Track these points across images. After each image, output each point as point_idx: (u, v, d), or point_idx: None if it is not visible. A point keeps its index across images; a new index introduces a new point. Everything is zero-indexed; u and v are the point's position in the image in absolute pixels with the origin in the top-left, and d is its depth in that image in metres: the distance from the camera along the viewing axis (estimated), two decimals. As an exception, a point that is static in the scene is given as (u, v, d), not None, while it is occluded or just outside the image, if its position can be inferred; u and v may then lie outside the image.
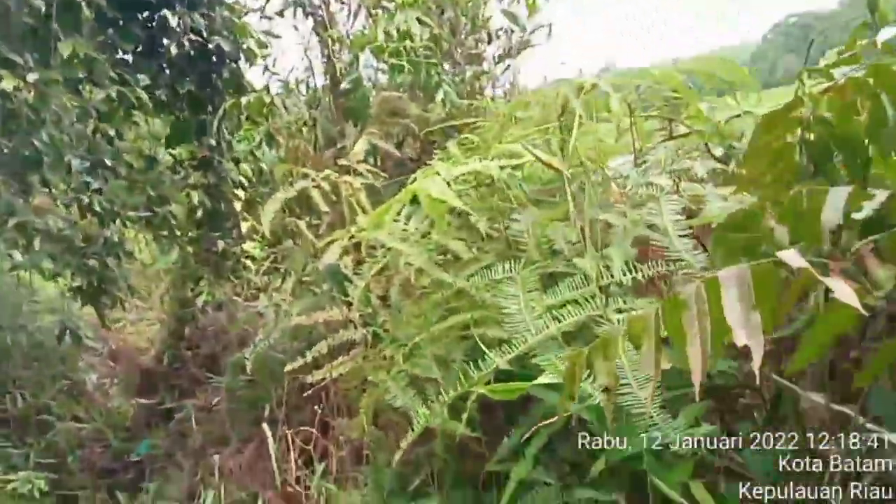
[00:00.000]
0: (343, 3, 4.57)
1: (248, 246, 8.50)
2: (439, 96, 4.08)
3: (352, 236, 2.69)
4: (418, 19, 4.25)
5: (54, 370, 8.10)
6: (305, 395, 5.07)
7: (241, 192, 5.17)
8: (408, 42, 4.24)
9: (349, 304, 2.99)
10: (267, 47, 5.00)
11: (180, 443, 7.75)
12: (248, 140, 5.31)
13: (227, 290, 8.52)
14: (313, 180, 3.28)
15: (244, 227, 7.58)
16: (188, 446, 6.54)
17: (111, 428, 8.09)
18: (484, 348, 1.72)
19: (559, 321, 1.62)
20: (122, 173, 4.44)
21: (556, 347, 1.60)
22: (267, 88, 4.77)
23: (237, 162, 4.96)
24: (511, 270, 1.92)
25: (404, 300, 2.66)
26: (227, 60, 4.74)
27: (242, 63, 5.00)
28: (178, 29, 4.38)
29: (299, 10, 4.54)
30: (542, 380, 1.52)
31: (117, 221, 5.13)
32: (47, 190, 4.20)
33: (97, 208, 4.82)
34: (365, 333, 3.03)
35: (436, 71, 4.13)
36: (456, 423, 1.93)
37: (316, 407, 4.21)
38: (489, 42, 4.53)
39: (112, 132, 4.35)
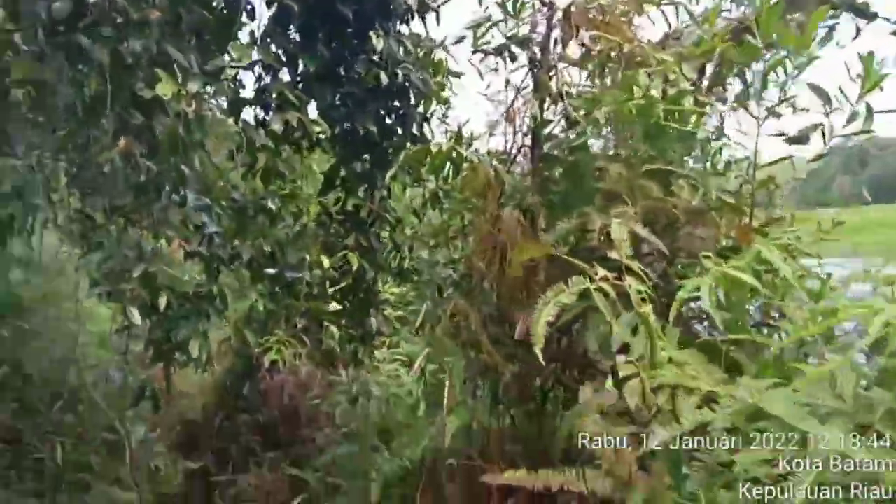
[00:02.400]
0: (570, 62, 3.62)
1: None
2: (712, 182, 3.03)
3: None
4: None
5: (100, 418, 7.09)
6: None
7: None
8: (659, 107, 3.24)
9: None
10: (448, 95, 4.08)
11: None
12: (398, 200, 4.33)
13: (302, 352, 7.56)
14: (591, 280, 2.24)
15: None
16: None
17: (153, 496, 7.07)
18: None
19: None
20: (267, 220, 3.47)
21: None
22: (457, 139, 3.81)
23: (394, 225, 3.96)
24: None
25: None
26: (412, 101, 3.81)
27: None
28: (374, 55, 3.48)
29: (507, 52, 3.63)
30: None
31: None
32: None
33: (218, 256, 3.84)
34: None
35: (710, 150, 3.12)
36: None
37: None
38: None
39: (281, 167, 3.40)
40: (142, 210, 3.19)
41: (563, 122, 3.90)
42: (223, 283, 4.48)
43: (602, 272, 2.31)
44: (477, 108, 4.42)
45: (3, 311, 6.47)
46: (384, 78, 3.45)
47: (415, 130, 3.87)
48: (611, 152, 3.57)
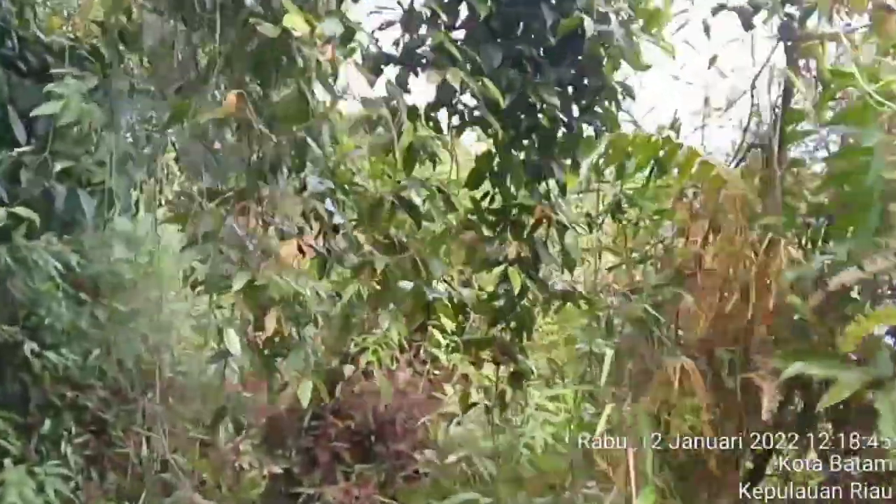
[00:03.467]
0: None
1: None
2: None
3: None
4: None
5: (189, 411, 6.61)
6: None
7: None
8: None
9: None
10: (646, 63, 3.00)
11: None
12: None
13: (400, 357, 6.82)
14: None
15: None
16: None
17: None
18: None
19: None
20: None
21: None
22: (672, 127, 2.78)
23: (562, 234, 2.94)
24: None
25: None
26: (604, 63, 2.78)
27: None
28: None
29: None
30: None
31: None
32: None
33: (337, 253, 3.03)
34: None
35: None
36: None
37: None
38: None
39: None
40: (252, 195, 2.40)
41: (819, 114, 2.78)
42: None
43: None
44: (670, 87, 3.34)
45: (101, 289, 6.07)
46: (589, 26, 2.44)
47: (611, 107, 2.85)
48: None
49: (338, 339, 6.55)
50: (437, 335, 7.09)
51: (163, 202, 5.77)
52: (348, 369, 5.08)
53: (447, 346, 7.10)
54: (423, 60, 2.58)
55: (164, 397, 6.17)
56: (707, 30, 3.29)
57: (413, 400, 7.37)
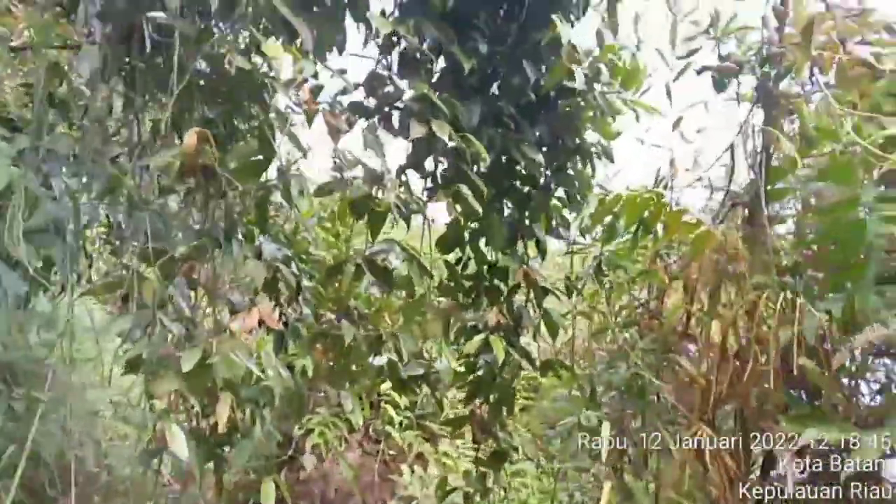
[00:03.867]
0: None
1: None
2: None
3: None
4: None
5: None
6: None
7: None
8: None
9: None
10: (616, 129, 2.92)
11: None
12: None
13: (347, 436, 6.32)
14: None
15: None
16: None
17: None
18: None
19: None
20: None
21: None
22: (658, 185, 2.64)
23: (540, 298, 2.74)
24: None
25: None
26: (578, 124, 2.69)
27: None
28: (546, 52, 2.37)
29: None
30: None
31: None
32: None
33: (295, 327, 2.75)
34: None
35: None
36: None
37: None
38: None
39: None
40: (203, 258, 2.09)
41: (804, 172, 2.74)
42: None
43: None
44: (634, 149, 3.30)
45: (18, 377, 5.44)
46: (580, 78, 2.33)
47: (585, 168, 2.73)
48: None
49: (287, 422, 6.04)
50: (391, 411, 6.67)
51: (91, 278, 5.32)
52: (308, 460, 4.61)
53: (401, 423, 6.66)
54: (397, 115, 2.40)
55: (87, 497, 5.49)
56: (669, 93, 3.28)
57: (366, 483, 6.84)
